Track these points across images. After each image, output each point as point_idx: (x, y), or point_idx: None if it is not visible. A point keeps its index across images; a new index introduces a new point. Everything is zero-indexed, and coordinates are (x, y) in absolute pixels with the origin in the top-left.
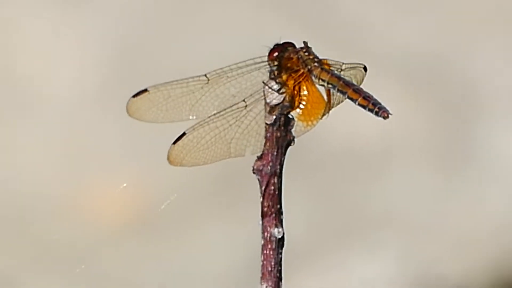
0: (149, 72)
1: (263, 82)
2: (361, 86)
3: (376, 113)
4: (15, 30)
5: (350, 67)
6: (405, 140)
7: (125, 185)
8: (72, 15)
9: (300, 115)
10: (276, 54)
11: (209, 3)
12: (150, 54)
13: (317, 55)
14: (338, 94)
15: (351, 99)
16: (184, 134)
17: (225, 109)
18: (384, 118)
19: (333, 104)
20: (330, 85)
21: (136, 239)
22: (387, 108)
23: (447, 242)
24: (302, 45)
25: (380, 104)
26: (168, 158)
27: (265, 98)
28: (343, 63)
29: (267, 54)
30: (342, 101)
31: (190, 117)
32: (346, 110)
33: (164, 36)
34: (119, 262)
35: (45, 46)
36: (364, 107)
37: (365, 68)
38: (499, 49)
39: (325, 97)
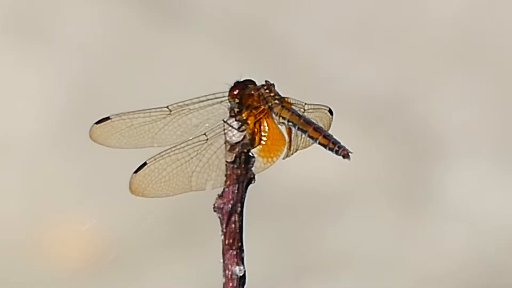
0: (109, 111)
1: (223, 120)
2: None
3: (336, 152)
4: None
5: (314, 109)
6: (363, 179)
7: (87, 226)
8: (32, 55)
9: (260, 151)
10: (236, 91)
11: (167, 44)
12: (109, 93)
13: (280, 93)
14: (299, 132)
15: (312, 137)
16: (145, 163)
17: (186, 141)
18: (344, 157)
19: (298, 146)
20: (290, 123)
21: (95, 280)
22: (347, 147)
23: (406, 281)
24: (263, 83)
25: (340, 143)
26: (129, 188)
27: (225, 136)
28: (305, 103)
29: (228, 91)
30: (307, 146)
31: (154, 145)
32: (305, 150)
33: (124, 76)
34: None
35: (4, 85)
36: (324, 146)
37: (330, 111)
38: (456, 87)
39: (286, 134)
